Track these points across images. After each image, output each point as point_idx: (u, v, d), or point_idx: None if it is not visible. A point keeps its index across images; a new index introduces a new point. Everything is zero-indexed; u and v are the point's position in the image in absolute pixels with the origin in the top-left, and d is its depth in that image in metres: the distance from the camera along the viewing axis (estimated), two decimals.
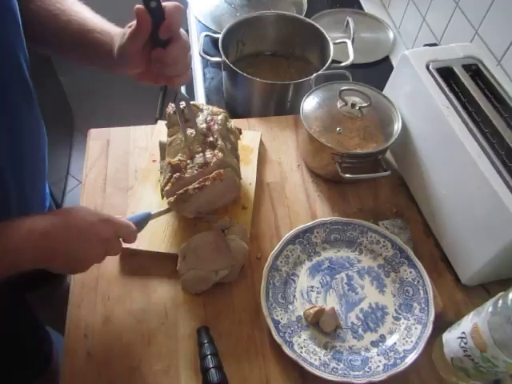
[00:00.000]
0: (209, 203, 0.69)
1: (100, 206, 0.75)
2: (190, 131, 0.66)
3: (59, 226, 0.51)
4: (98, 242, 0.53)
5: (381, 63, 1.12)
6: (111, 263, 0.68)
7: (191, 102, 0.68)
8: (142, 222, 0.61)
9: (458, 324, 0.57)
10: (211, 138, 0.65)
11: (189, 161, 0.64)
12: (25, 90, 0.57)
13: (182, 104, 0.64)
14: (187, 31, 1.23)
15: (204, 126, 0.67)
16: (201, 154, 0.64)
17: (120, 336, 0.62)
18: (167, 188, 0.64)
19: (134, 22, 0.49)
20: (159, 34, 0.49)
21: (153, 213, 0.63)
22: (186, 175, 0.63)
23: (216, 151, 0.64)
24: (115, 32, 0.56)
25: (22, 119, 0.57)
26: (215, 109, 0.72)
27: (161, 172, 0.71)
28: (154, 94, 2.05)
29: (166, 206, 0.72)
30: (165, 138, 0.72)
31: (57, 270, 0.53)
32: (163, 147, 0.71)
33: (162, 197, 0.67)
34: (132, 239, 0.57)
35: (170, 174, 0.64)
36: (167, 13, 0.49)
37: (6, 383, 0.76)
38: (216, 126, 0.68)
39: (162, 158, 0.72)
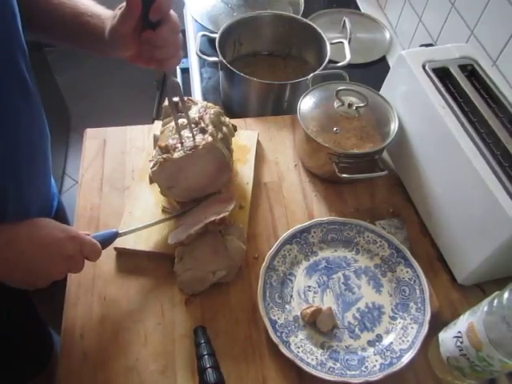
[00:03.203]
0: (198, 183, 0.68)
1: (97, 205, 0.75)
2: (182, 120, 0.65)
3: (23, 238, 0.50)
4: (61, 259, 0.52)
5: (377, 63, 1.13)
6: (108, 263, 0.68)
7: (187, 97, 0.68)
8: (108, 240, 0.60)
9: (453, 323, 0.57)
10: (202, 124, 0.65)
11: (178, 144, 0.64)
12: (22, 86, 0.56)
13: (176, 99, 0.64)
14: (184, 31, 1.22)
15: (197, 115, 0.67)
16: (191, 139, 0.64)
17: (116, 336, 0.62)
18: (154, 169, 0.63)
19: (124, 4, 0.49)
20: (149, 15, 0.49)
21: (121, 231, 0.62)
22: (174, 156, 0.62)
23: (206, 136, 0.64)
24: (106, 15, 0.56)
25: (19, 117, 0.56)
26: (210, 104, 0.72)
27: (150, 160, 0.70)
28: (150, 94, 2.05)
29: (159, 205, 0.72)
30: (159, 133, 0.71)
31: (15, 284, 0.52)
32: (157, 139, 0.71)
33: (151, 181, 0.66)
34: (95, 258, 0.56)
35: (158, 157, 0.63)
36: None
37: (5, 380, 0.76)
38: (208, 115, 0.67)
39: (154, 147, 0.72)
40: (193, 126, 0.65)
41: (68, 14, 0.57)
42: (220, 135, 0.68)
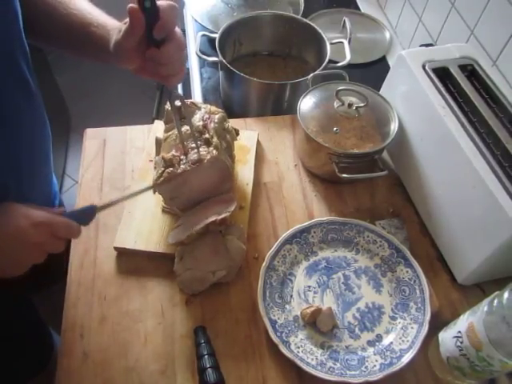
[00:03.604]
0: (201, 193, 0.68)
1: None
2: (186, 128, 0.66)
3: None
4: (29, 247, 0.49)
5: (377, 63, 1.13)
6: (108, 263, 0.68)
7: (190, 100, 0.68)
8: (86, 216, 0.56)
9: (453, 323, 0.57)
10: (207, 135, 0.65)
11: (182, 156, 0.64)
12: (23, 87, 0.56)
13: (178, 103, 0.64)
14: (184, 31, 1.22)
15: (200, 123, 0.67)
16: (195, 151, 0.64)
17: (116, 336, 0.62)
18: (159, 183, 0.63)
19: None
20: (154, 33, 0.49)
21: (99, 205, 0.57)
22: (179, 170, 0.63)
23: (211, 148, 0.64)
24: (112, 26, 0.56)
25: (21, 117, 0.57)
26: (213, 108, 0.72)
27: (155, 167, 0.70)
28: (150, 93, 2.05)
29: (159, 205, 0.72)
30: (161, 135, 0.72)
31: None
32: (159, 143, 0.71)
33: (154, 191, 0.66)
34: (74, 236, 0.53)
35: (162, 169, 0.64)
36: (162, 12, 0.48)
37: (5, 380, 0.76)
38: (212, 124, 0.68)
39: (157, 153, 0.72)
40: (196, 134, 0.65)
41: (75, 24, 0.57)
42: (224, 145, 0.68)
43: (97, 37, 0.56)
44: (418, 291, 0.64)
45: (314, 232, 0.71)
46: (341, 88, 0.76)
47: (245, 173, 0.78)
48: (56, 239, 0.51)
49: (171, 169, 0.63)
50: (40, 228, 0.49)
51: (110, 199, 0.60)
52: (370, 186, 0.80)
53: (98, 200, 0.75)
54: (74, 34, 0.57)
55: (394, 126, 0.76)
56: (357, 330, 0.63)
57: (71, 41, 0.59)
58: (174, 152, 0.64)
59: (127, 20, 0.50)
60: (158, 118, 0.85)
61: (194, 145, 0.64)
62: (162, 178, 0.63)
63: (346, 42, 0.95)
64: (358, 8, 1.27)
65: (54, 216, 0.51)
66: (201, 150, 0.64)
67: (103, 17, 0.58)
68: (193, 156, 0.63)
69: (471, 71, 0.72)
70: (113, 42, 0.53)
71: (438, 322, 0.62)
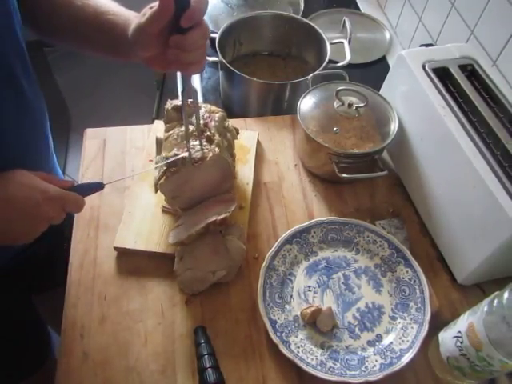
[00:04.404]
0: (202, 192, 0.68)
1: (97, 205, 0.75)
2: (189, 126, 0.66)
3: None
4: (42, 220, 0.50)
5: (377, 63, 1.13)
6: (108, 263, 0.68)
7: (190, 100, 0.68)
8: (91, 190, 0.57)
9: (453, 323, 0.57)
10: (209, 133, 0.65)
11: (185, 154, 0.64)
12: (15, 92, 0.55)
13: (190, 100, 0.63)
14: None
15: (201, 122, 0.67)
16: (197, 149, 0.64)
17: (116, 336, 0.62)
18: (161, 181, 0.64)
19: (157, 4, 0.47)
20: (181, 21, 0.47)
21: (105, 182, 0.58)
22: (182, 169, 0.63)
23: (213, 146, 0.64)
24: (129, 14, 0.55)
25: (15, 123, 0.56)
26: (213, 107, 0.72)
27: (156, 167, 0.70)
28: (150, 93, 2.05)
29: (159, 205, 0.72)
30: (161, 135, 0.72)
31: None
32: (159, 142, 0.71)
33: (156, 190, 0.66)
34: (80, 210, 0.54)
35: (165, 168, 0.64)
36: (192, 1, 0.47)
37: (1, 378, 0.76)
38: (213, 123, 0.68)
39: (158, 153, 0.72)
40: (199, 132, 0.65)
41: (91, 15, 0.56)
42: (225, 143, 0.68)
43: (113, 24, 0.55)
44: (418, 291, 0.64)
45: (314, 232, 0.71)
46: (341, 88, 0.76)
47: (245, 173, 0.78)
48: (62, 212, 0.52)
49: (174, 167, 0.63)
50: (54, 203, 0.50)
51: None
52: (370, 186, 0.80)
53: (98, 201, 0.75)
54: (91, 25, 0.57)
55: (394, 126, 0.76)
56: (357, 330, 0.63)
57: (88, 33, 0.58)
58: (175, 151, 0.64)
59: (152, 5, 0.49)
60: (157, 118, 0.85)
61: (196, 142, 0.64)
62: (164, 177, 0.63)
63: (346, 42, 0.95)
64: (358, 8, 1.27)
65: (66, 192, 0.52)
66: (203, 147, 0.64)
67: (119, 7, 0.58)
68: (195, 154, 0.63)
69: (471, 71, 0.72)
70: (133, 26, 0.51)
71: (438, 322, 0.62)
